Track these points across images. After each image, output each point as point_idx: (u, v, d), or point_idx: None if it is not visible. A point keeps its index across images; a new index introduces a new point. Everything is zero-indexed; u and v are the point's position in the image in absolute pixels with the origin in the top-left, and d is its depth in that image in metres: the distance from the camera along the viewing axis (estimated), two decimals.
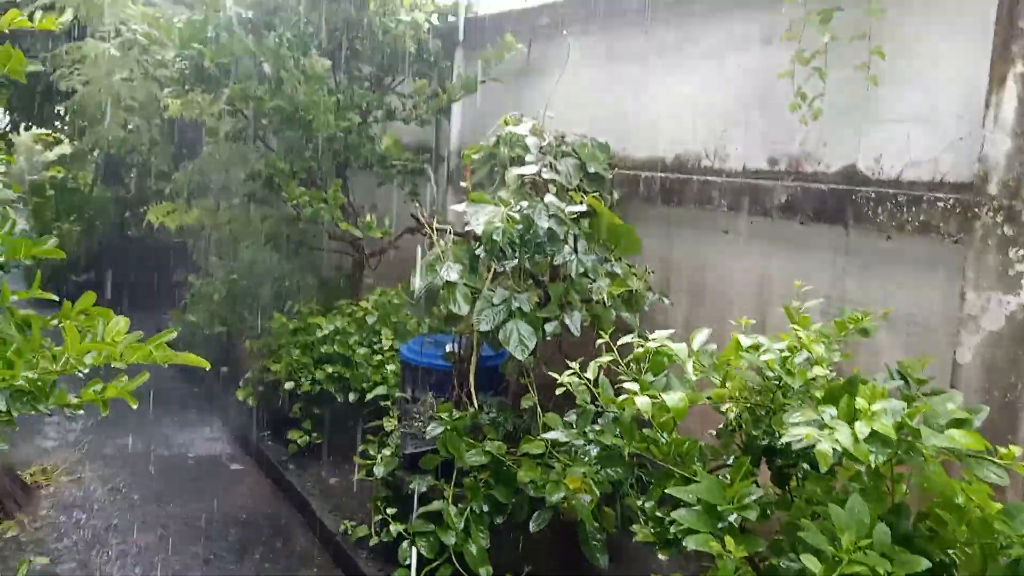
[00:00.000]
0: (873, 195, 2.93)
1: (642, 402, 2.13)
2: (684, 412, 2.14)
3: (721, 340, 2.51)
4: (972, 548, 1.87)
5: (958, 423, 1.89)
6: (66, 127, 9.94)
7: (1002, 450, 1.85)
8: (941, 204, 2.71)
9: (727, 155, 3.66)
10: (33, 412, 2.14)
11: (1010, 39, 2.48)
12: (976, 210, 2.57)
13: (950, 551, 1.94)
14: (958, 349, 2.61)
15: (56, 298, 2.37)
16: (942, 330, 2.78)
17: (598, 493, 3.45)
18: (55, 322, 2.20)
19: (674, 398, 2.12)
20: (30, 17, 2.18)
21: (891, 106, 2.97)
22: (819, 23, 3.03)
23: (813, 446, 2.04)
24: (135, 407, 2.10)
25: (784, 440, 1.88)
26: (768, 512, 2.17)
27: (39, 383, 2.05)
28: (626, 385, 2.22)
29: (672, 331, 2.35)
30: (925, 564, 1.80)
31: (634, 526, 2.60)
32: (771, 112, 3.41)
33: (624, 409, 2.24)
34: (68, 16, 6.17)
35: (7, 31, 2.12)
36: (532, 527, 3.44)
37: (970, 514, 1.90)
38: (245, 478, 5.00)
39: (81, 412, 2.22)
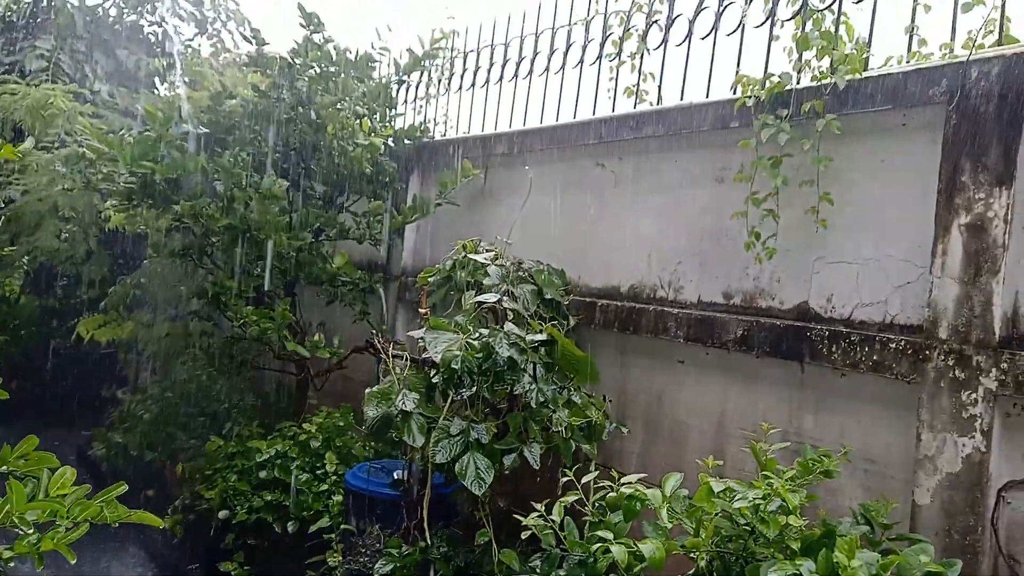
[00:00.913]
0: (827, 333, 3.00)
1: (618, 552, 2.07)
2: (661, 563, 2.08)
3: (679, 471, 2.48)
4: None
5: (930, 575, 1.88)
6: None
7: None
8: (893, 345, 2.79)
9: (682, 287, 3.74)
10: None
11: (954, 192, 2.64)
12: (927, 352, 2.66)
13: None
14: (916, 490, 2.63)
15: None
16: (900, 469, 2.80)
17: None
18: None
19: (650, 548, 2.07)
20: None
21: (840, 248, 3.09)
22: (770, 167, 3.18)
23: None
24: (72, 560, 1.93)
25: None
26: None
27: None
28: (600, 533, 2.16)
29: (643, 475, 2.31)
30: None
31: None
32: (725, 248, 3.52)
33: (597, 559, 2.16)
34: (28, 144, 6.12)
35: None
36: None
37: None
38: None
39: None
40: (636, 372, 3.96)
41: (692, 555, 2.33)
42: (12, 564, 1.97)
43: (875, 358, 2.82)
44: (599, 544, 2.11)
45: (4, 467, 1.96)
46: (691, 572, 2.37)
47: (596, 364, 3.79)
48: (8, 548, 1.92)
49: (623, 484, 2.26)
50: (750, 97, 3.28)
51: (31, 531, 1.77)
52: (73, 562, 1.96)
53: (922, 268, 2.79)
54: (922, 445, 2.63)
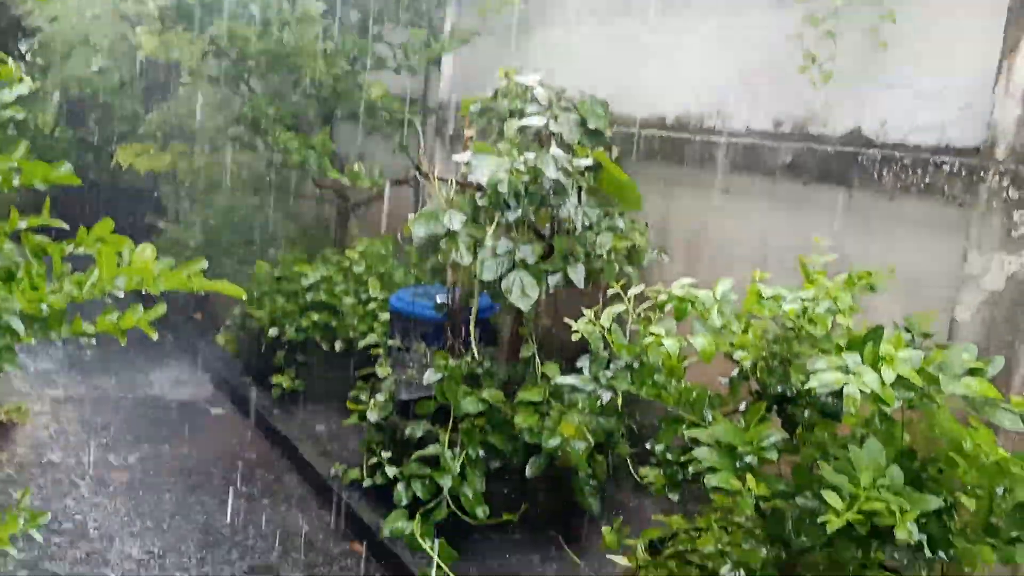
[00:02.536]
0: (879, 157, 3.00)
1: (670, 344, 2.19)
2: (711, 356, 2.20)
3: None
4: (980, 490, 1.97)
5: (973, 372, 1.98)
6: (27, 66, 9.58)
7: (1015, 398, 1.95)
8: (947, 167, 2.80)
9: (730, 115, 3.70)
10: (44, 338, 2.11)
11: None
12: (982, 173, 2.66)
13: (955, 494, 2.04)
14: (957, 308, 2.72)
15: (67, 226, 2.32)
16: (939, 291, 2.87)
17: (591, 441, 3.54)
18: (70, 248, 2.16)
19: (700, 341, 2.18)
20: None
21: (899, 70, 3.03)
22: None
23: (833, 393, 2.13)
24: (152, 336, 2.08)
25: (810, 385, 1.94)
26: (777, 456, 2.25)
27: (55, 306, 2.01)
28: (653, 328, 2.27)
29: (693, 280, 2.39)
30: (936, 503, 1.90)
31: (643, 469, 2.68)
32: (777, 73, 3.46)
33: (647, 353, 2.29)
34: None
35: None
36: (528, 472, 3.51)
37: (977, 459, 2.00)
38: (227, 423, 4.99)
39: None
40: (679, 203, 3.99)
41: (736, 358, 2.46)
42: (93, 342, 2.11)
43: (927, 180, 2.84)
44: (651, 338, 2.23)
45: (82, 248, 2.06)
46: (735, 373, 2.50)
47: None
48: (91, 324, 2.06)
49: (677, 286, 2.35)
50: None
51: (121, 292, 1.88)
52: (154, 338, 2.10)
53: (983, 90, 2.74)
54: (968, 264, 2.69)
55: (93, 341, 2.19)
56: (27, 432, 4.55)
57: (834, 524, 1.84)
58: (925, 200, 2.87)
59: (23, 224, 2.16)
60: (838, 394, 1.99)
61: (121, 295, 1.91)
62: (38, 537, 2.31)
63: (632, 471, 3.82)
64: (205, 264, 1.98)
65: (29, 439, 4.48)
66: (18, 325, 1.81)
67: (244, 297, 2.04)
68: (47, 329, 1.99)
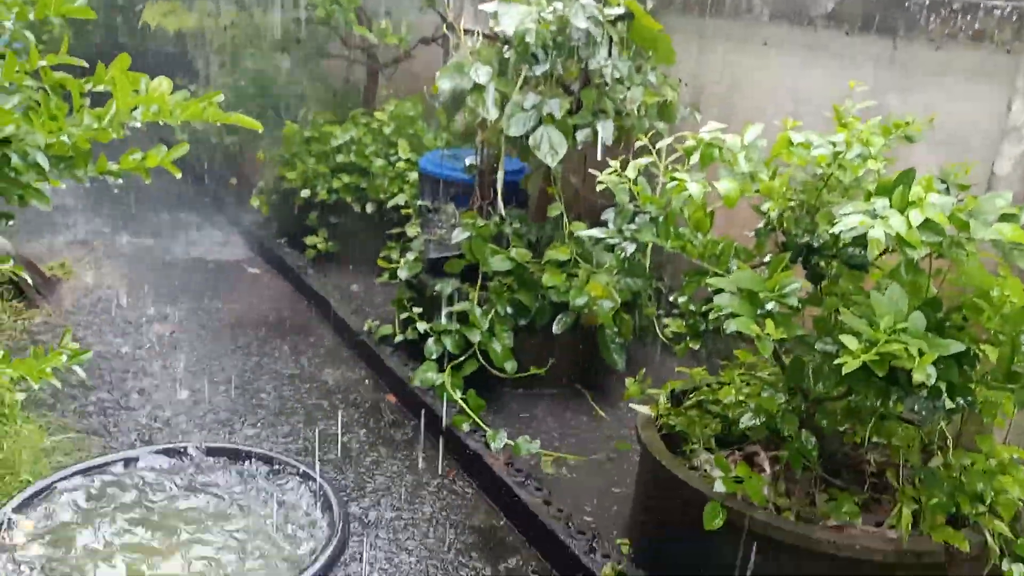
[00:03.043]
0: (927, 2, 2.83)
1: (694, 188, 2.16)
2: (734, 201, 2.16)
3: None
4: (1004, 337, 1.96)
5: (1005, 218, 1.93)
6: None
7: None
8: (998, 12, 2.63)
9: None
10: (71, 178, 2.14)
11: None
12: None
13: (978, 344, 2.03)
14: (997, 160, 2.62)
15: (86, 64, 2.31)
16: (981, 145, 2.77)
17: (618, 300, 3.58)
18: (89, 86, 2.15)
19: (725, 186, 2.15)
20: None
21: None
22: None
23: (857, 241, 2.10)
24: (177, 175, 2.10)
25: (835, 230, 1.91)
26: (800, 306, 2.25)
27: (80, 146, 2.02)
28: (677, 174, 2.23)
29: (724, 125, 2.33)
30: (957, 347, 1.89)
31: (666, 319, 2.71)
32: None
33: (671, 198, 2.26)
34: None
35: None
36: (555, 329, 3.57)
37: (1003, 306, 1.98)
38: (264, 281, 5.12)
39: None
40: (714, 57, 3.84)
41: (762, 209, 2.42)
42: (120, 180, 2.14)
43: (976, 26, 2.68)
44: (674, 183, 2.20)
45: (100, 86, 2.04)
46: (760, 226, 2.47)
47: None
48: (114, 163, 2.07)
49: (704, 131, 2.29)
50: None
51: (138, 122, 1.88)
52: (178, 176, 2.12)
53: None
54: (1012, 115, 2.58)
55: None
56: (71, 287, 4.71)
57: (851, 365, 1.85)
58: (972, 48, 2.72)
59: (43, 63, 2.15)
60: (864, 243, 1.97)
61: (138, 124, 1.91)
62: (82, 374, 2.42)
63: (658, 331, 3.88)
64: (221, 97, 1.96)
65: (73, 294, 4.65)
66: (43, 160, 1.83)
67: (260, 129, 2.03)
68: (73, 168, 2.01)
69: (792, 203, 2.30)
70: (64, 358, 2.45)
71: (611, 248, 2.68)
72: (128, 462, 2.52)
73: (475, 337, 3.56)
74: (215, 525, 2.35)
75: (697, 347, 2.49)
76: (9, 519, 2.23)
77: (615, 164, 2.59)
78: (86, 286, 4.78)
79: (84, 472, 2.46)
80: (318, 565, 2.13)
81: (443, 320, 3.65)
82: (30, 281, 3.19)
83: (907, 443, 2.44)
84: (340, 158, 4.99)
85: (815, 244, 2.29)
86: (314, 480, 2.46)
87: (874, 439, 2.49)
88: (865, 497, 2.37)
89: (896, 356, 1.87)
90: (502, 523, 3.00)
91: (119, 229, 5.74)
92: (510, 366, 3.57)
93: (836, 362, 1.89)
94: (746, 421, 2.47)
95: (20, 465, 2.79)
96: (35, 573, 2.09)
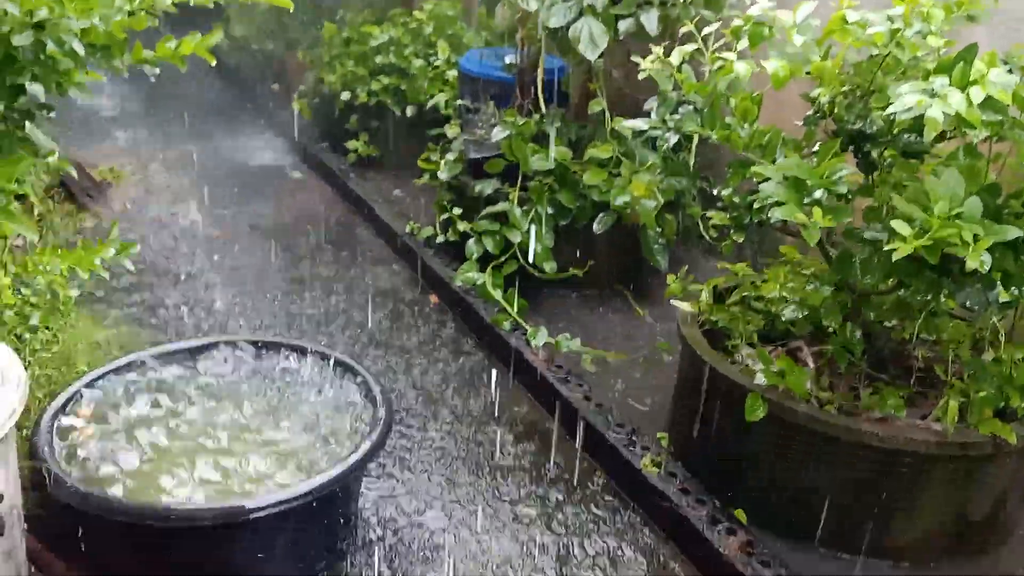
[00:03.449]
0: None
1: (741, 67, 2.07)
2: (783, 81, 2.07)
3: None
4: None
5: None
6: None
7: None
8: None
9: None
10: (108, 68, 2.14)
11: None
12: None
13: None
14: None
15: None
16: None
17: (661, 200, 3.50)
18: None
19: (774, 65, 2.05)
20: None
21: None
22: None
23: (914, 126, 2.00)
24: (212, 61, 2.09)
25: (889, 111, 1.82)
26: (850, 197, 2.17)
27: (115, 34, 2.01)
28: (724, 54, 2.14)
29: (771, 3, 2.21)
30: (1015, 232, 1.81)
31: (709, 212, 2.65)
32: None
33: (715, 87, 2.17)
34: None
35: None
36: (596, 228, 3.53)
37: None
38: (307, 186, 5.15)
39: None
40: None
41: (812, 96, 2.32)
42: (157, 69, 2.13)
43: None
44: (720, 64, 2.11)
45: None
46: (809, 113, 2.37)
47: None
48: (149, 51, 2.06)
49: (750, 11, 2.18)
50: None
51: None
52: (213, 64, 2.11)
53: None
54: None
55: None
56: (120, 191, 4.79)
57: (902, 252, 1.79)
58: None
59: None
60: (921, 129, 1.87)
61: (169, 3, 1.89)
62: (130, 266, 2.47)
63: (702, 231, 3.81)
64: None
65: (122, 198, 4.73)
66: (78, 46, 1.83)
67: (291, 8, 1.99)
68: (109, 57, 2.00)
69: (845, 87, 2.19)
70: (112, 251, 2.50)
71: (652, 143, 2.61)
72: (181, 353, 2.60)
73: (515, 237, 3.53)
74: (268, 409, 2.43)
75: (741, 240, 2.43)
76: (70, 403, 2.33)
77: (658, 50, 2.49)
78: (135, 190, 4.85)
79: (136, 363, 2.55)
80: (364, 449, 2.19)
81: (483, 221, 3.63)
82: (75, 174, 3.23)
83: (957, 338, 2.39)
84: (379, 59, 4.91)
85: (868, 131, 2.20)
86: (359, 373, 2.52)
87: (923, 335, 2.45)
88: (911, 391, 2.34)
89: (950, 243, 1.79)
90: (542, 418, 3.04)
91: (166, 136, 5.78)
92: (550, 266, 3.55)
93: (886, 248, 1.82)
94: (789, 314, 2.43)
95: (76, 356, 2.89)
96: (94, 452, 2.19)
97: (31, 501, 2.21)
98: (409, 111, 4.83)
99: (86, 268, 2.31)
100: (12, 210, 1.88)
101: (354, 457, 2.15)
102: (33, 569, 1.96)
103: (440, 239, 3.91)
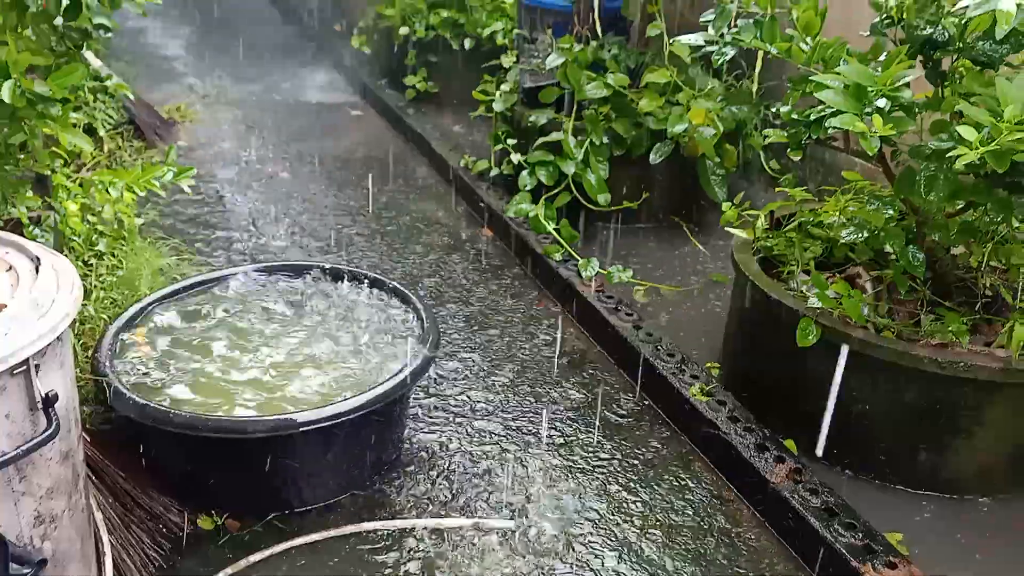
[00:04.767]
0: None
1: None
2: None
3: None
4: None
5: None
6: None
7: None
8: None
9: None
10: None
11: None
12: None
13: None
14: None
15: None
16: None
17: (721, 129, 3.39)
18: None
19: None
20: None
21: None
22: None
23: (988, 32, 1.87)
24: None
25: (960, 5, 1.70)
26: (916, 110, 2.05)
27: None
28: None
29: None
30: None
31: (766, 130, 2.55)
32: None
33: None
34: None
35: None
36: (652, 158, 3.45)
37: None
38: (366, 122, 5.18)
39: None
40: None
41: (880, 1, 2.19)
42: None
43: None
44: None
45: None
46: (876, 20, 2.24)
47: None
48: None
49: None
50: None
51: None
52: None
53: None
54: None
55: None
56: (187, 129, 4.90)
57: (967, 158, 1.68)
58: None
59: None
60: (994, 36, 1.74)
61: None
62: (187, 189, 2.53)
63: (763, 163, 3.68)
64: None
65: (189, 135, 4.83)
66: None
67: None
68: None
69: None
70: (170, 175, 2.56)
71: (715, 71, 2.51)
72: (240, 277, 2.67)
73: (569, 168, 3.48)
74: (324, 330, 2.47)
75: (799, 158, 2.33)
76: (132, 322, 2.41)
77: None
78: (201, 128, 4.95)
79: (194, 285, 2.62)
80: (410, 369, 2.22)
81: (537, 151, 3.58)
82: (132, 98, 3.29)
83: None
84: None
85: (939, 38, 2.06)
86: (410, 299, 2.54)
87: (991, 263, 2.32)
88: (975, 318, 2.22)
89: (1019, 149, 1.68)
90: (591, 346, 3.02)
91: (232, 77, 5.87)
92: (604, 198, 3.49)
93: (951, 154, 1.71)
94: (849, 236, 2.33)
95: (140, 282, 2.98)
96: (153, 368, 2.27)
97: (93, 415, 2.32)
98: (467, 43, 4.78)
99: (143, 187, 2.36)
100: (69, 121, 1.93)
101: (400, 376, 2.18)
102: (91, 477, 2.05)
103: (494, 172, 3.88)
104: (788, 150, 2.35)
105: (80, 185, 2.74)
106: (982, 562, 2.05)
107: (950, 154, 1.72)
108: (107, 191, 2.66)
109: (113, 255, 3.03)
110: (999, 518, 2.19)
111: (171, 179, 2.56)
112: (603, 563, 2.07)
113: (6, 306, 1.60)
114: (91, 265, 2.93)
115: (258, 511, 2.17)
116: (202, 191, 4.09)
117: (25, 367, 1.53)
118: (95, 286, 2.83)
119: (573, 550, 2.11)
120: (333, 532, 2.12)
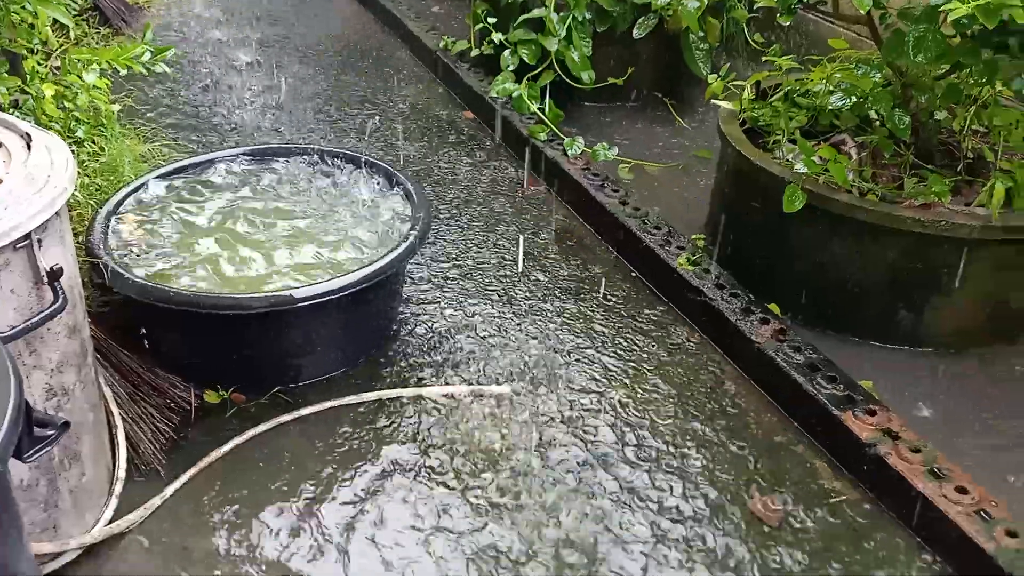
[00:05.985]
0: None
1: None
2: None
3: None
4: None
5: None
6: None
7: None
8: None
9: None
10: None
11: None
12: None
13: None
14: None
15: None
16: None
17: (705, 2, 3.34)
18: None
19: None
20: None
21: None
22: None
23: None
24: None
25: None
26: None
27: None
28: None
29: None
30: None
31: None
32: None
33: None
34: None
35: None
36: (636, 33, 3.40)
37: None
38: (341, 5, 5.01)
39: None
40: None
41: None
42: None
43: None
44: None
45: None
46: None
47: None
48: None
49: None
50: None
51: None
52: None
53: None
54: None
55: None
56: (154, 14, 4.73)
57: (958, 12, 1.69)
58: None
59: None
60: None
61: None
62: (167, 69, 2.47)
63: (747, 37, 3.65)
64: None
65: (156, 20, 4.67)
66: None
67: None
68: None
69: None
70: (147, 55, 2.49)
71: None
72: (226, 160, 2.65)
73: (552, 46, 3.42)
74: (317, 209, 2.48)
75: (787, 23, 2.32)
76: (120, 205, 2.40)
77: None
78: (168, 12, 4.78)
79: (180, 169, 2.60)
80: (403, 247, 2.24)
81: (519, 30, 3.51)
82: None
83: (1007, 125, 2.30)
84: None
85: None
86: (398, 179, 2.55)
87: (973, 127, 2.36)
88: (958, 179, 2.28)
89: (1008, 3, 1.69)
90: (577, 223, 3.05)
91: None
92: (588, 76, 3.46)
93: (943, 8, 1.72)
94: (836, 101, 2.35)
95: (123, 168, 2.95)
96: (147, 249, 2.27)
97: (90, 298, 2.33)
98: None
99: (123, 64, 2.31)
100: None
101: (393, 253, 2.21)
102: (97, 355, 2.09)
103: (475, 52, 3.81)
104: (778, 15, 2.34)
105: (55, 72, 2.66)
106: (944, 401, 2.17)
107: (942, 8, 1.73)
108: (80, 77, 2.60)
109: (93, 142, 2.98)
110: (969, 368, 2.29)
111: (149, 60, 2.50)
112: (597, 431, 2.16)
113: (1, 181, 1.59)
114: (73, 151, 2.87)
115: (262, 386, 2.23)
116: (177, 78, 3.99)
117: (28, 242, 1.54)
118: (79, 172, 2.79)
119: (571, 410, 2.21)
120: (337, 402, 2.20)
